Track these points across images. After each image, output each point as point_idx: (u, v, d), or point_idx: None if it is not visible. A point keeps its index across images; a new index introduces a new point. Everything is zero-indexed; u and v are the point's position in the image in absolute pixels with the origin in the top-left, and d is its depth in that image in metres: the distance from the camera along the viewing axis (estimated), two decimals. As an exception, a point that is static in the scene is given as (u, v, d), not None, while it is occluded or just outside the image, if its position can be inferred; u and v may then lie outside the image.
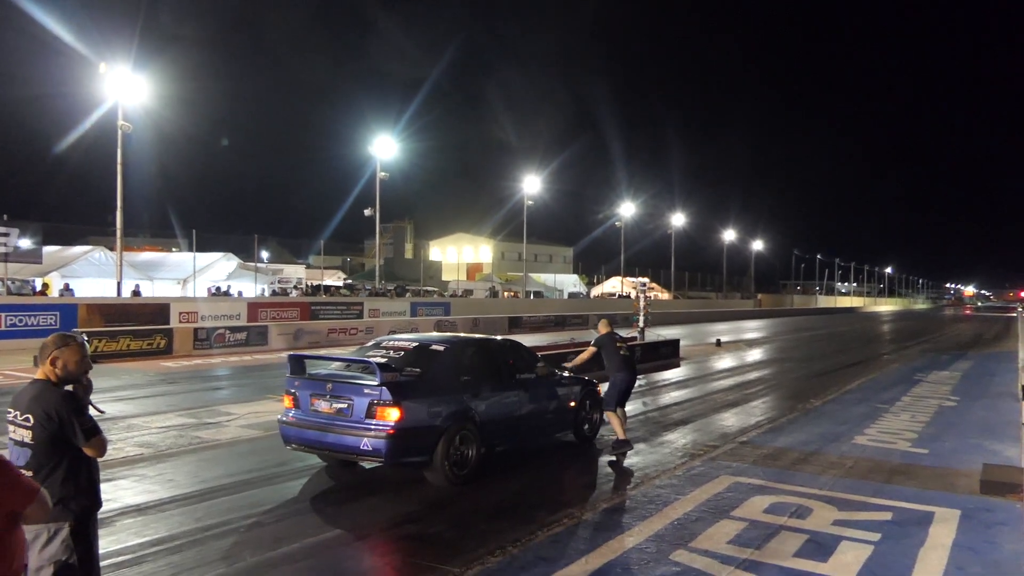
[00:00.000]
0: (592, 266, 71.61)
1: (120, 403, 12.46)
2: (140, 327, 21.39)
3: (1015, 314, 69.16)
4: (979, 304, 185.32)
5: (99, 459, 3.52)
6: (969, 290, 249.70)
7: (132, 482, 7.45)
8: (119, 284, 25.57)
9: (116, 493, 6.95)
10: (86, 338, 3.82)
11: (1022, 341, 25.18)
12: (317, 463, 8.16)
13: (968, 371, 19.91)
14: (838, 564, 5.44)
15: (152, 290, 31.30)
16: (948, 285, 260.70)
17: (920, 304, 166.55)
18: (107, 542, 5.49)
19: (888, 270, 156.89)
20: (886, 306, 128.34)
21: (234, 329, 23.24)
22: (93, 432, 3.43)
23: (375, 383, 7.09)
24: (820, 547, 5.76)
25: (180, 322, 23.75)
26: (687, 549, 5.71)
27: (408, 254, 72.47)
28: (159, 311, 24.07)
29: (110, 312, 22.50)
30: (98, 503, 3.57)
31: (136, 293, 28.94)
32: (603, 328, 9.29)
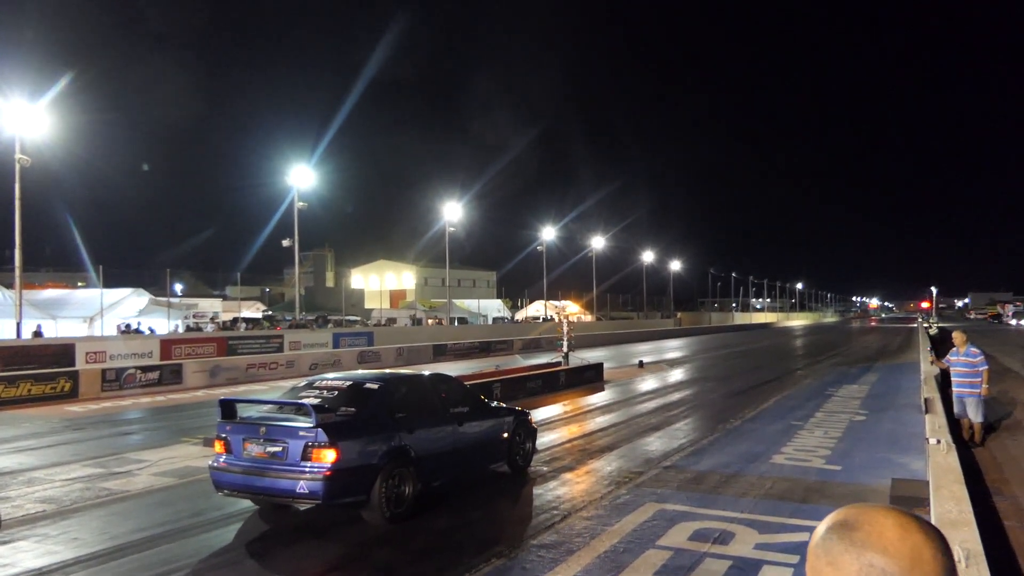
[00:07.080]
0: (516, 290, 71.97)
1: (20, 454, 11.71)
2: (42, 370, 20.20)
3: (915, 324, 73.00)
4: (883, 316, 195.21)
5: None
6: (874, 302, 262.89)
7: (33, 543, 6.98)
8: (18, 325, 24.17)
9: (14, 556, 6.50)
10: None
11: (923, 353, 26.54)
12: (235, 511, 7.85)
13: (875, 384, 20.88)
14: (761, 589, 5.56)
15: (56, 330, 29.67)
16: (854, 298, 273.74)
17: (829, 317, 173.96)
18: (4, 614, 5.13)
19: (799, 286, 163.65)
20: (798, 320, 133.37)
21: (146, 368, 22.24)
22: None
23: (310, 425, 6.99)
24: (743, 572, 5.88)
25: (87, 363, 22.54)
26: (615, 583, 5.74)
27: (329, 283, 71.15)
28: (63, 352, 22.79)
29: (8, 355, 21.18)
30: None
31: (38, 333, 27.38)
32: None
